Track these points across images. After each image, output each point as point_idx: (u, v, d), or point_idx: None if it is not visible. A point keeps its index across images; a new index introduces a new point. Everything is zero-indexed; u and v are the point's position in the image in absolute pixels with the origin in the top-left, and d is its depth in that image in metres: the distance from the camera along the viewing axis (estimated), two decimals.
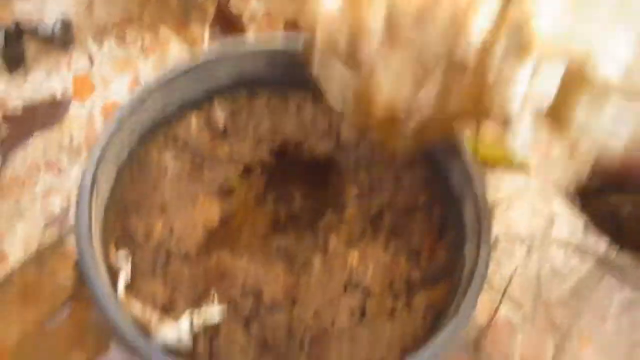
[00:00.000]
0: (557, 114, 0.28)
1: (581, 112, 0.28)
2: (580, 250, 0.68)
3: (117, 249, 0.44)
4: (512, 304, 0.63)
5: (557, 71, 0.27)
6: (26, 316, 0.56)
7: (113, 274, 0.42)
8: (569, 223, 0.70)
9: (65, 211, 0.62)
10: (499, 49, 0.27)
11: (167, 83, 0.47)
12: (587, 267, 0.67)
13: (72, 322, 0.57)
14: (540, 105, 0.28)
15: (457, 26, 0.28)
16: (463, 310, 0.39)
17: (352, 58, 0.34)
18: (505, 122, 0.31)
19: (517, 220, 0.69)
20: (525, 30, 0.26)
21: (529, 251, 0.67)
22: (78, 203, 0.40)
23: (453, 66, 0.30)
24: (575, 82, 0.27)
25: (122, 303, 0.39)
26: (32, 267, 0.59)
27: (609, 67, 0.26)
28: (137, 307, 0.39)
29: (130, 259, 0.41)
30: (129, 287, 0.41)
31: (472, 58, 0.28)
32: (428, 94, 0.33)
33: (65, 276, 0.59)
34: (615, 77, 0.26)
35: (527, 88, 0.27)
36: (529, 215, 0.70)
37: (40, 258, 0.60)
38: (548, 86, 0.27)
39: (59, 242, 0.61)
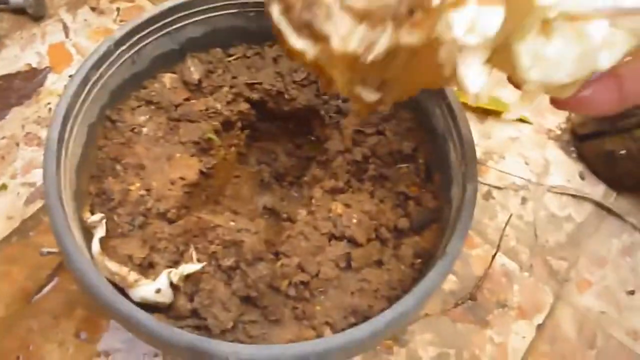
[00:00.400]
0: (502, 51, 0.27)
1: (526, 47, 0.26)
2: (577, 196, 0.67)
3: (92, 210, 0.42)
4: (508, 253, 0.62)
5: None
6: (12, 290, 0.55)
7: (88, 237, 0.40)
8: (564, 170, 0.69)
9: None
10: None
11: (132, 36, 0.45)
12: (584, 213, 0.66)
13: (59, 293, 0.56)
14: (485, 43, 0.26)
15: None
16: (450, 251, 0.37)
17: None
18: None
19: (511, 170, 0.67)
20: None
21: (523, 200, 0.66)
22: (45, 162, 0.38)
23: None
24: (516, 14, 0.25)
25: (96, 263, 0.38)
26: (16, 241, 0.58)
27: None
28: (113, 267, 0.37)
29: (105, 221, 0.40)
30: (105, 249, 0.39)
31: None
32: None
33: (50, 248, 0.58)
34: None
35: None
36: (523, 164, 0.68)
37: (25, 231, 0.59)
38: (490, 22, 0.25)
39: (42, 214, 0.60)
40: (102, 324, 0.54)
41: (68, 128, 0.41)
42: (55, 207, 0.36)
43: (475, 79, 0.27)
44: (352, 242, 0.43)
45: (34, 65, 0.69)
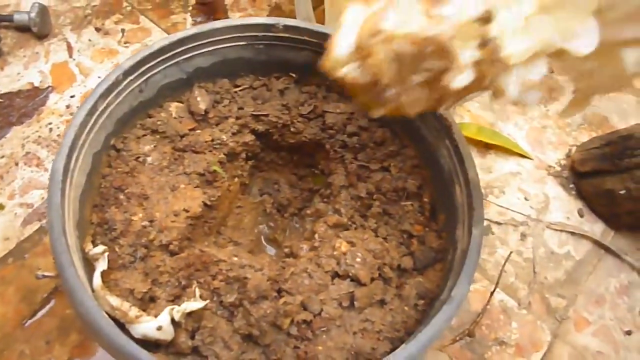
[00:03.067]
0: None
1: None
2: (576, 234, 0.67)
3: (94, 241, 0.42)
4: (506, 289, 0.62)
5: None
6: (5, 312, 0.55)
7: (90, 268, 0.40)
8: (563, 206, 0.69)
9: (45, 204, 0.61)
10: None
11: (142, 65, 0.45)
12: (583, 250, 0.66)
13: (54, 317, 0.55)
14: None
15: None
16: (455, 295, 0.37)
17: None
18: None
19: (511, 205, 0.67)
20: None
21: (523, 236, 0.66)
22: (50, 192, 0.38)
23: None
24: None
25: (97, 297, 0.37)
26: (11, 262, 0.57)
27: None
28: (114, 302, 0.37)
29: (107, 254, 0.39)
30: (106, 282, 0.39)
31: None
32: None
33: (46, 271, 0.57)
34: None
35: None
36: (523, 200, 0.68)
37: (20, 253, 0.58)
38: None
39: (40, 236, 0.59)
40: (96, 349, 0.54)
41: (74, 158, 0.40)
42: (58, 240, 0.36)
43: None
44: (356, 281, 0.43)
45: (36, 84, 0.69)
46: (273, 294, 0.41)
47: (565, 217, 0.68)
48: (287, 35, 0.48)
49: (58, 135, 0.65)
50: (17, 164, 0.63)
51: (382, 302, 0.42)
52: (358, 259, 0.43)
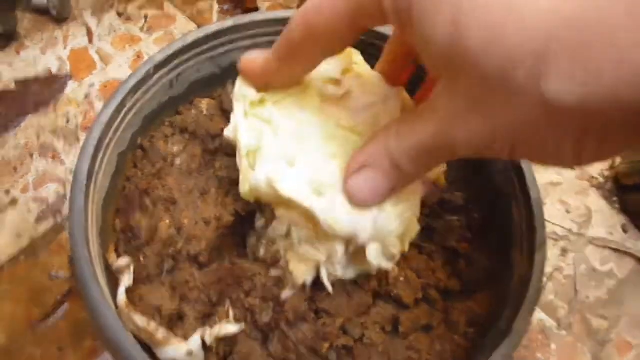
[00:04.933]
0: None
1: None
2: (619, 250, 0.63)
3: (117, 250, 0.38)
4: (546, 308, 0.58)
5: None
6: (17, 314, 0.51)
7: (112, 280, 0.36)
8: (606, 221, 0.65)
9: (60, 199, 0.57)
10: None
11: (174, 58, 0.41)
12: (626, 268, 0.62)
13: (67, 321, 0.52)
14: None
15: None
16: (517, 329, 0.34)
17: None
18: None
19: (552, 217, 0.64)
20: None
21: (563, 251, 0.62)
22: (72, 196, 0.34)
23: None
24: None
25: (122, 315, 0.34)
26: (24, 260, 0.54)
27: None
28: (140, 321, 0.33)
29: (132, 266, 0.36)
30: (131, 296, 0.35)
31: None
32: None
33: (60, 271, 0.54)
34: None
35: None
36: (564, 212, 0.64)
37: (33, 251, 0.55)
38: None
39: (54, 233, 0.56)
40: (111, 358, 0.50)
41: (99, 158, 0.37)
42: (81, 251, 0.32)
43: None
44: (399, 302, 0.39)
45: (54, 71, 0.65)
46: (312, 315, 0.38)
47: (607, 232, 0.64)
48: None
49: (76, 126, 0.61)
50: (31, 156, 0.59)
51: (427, 328, 0.39)
52: (401, 278, 0.40)
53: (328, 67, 0.33)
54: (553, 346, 0.56)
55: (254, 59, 0.31)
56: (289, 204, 0.31)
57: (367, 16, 0.24)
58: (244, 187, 0.33)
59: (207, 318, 0.37)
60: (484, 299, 0.40)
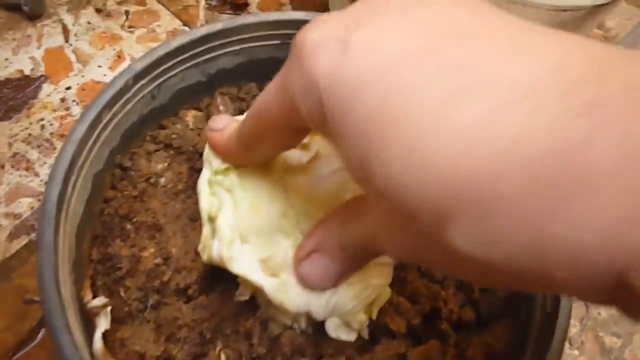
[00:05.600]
0: None
1: None
2: None
3: (94, 283, 0.34)
4: None
5: None
6: None
7: (87, 320, 0.32)
8: None
9: (35, 214, 0.53)
10: None
11: (156, 67, 0.37)
12: None
13: (45, 350, 0.48)
14: None
15: None
16: None
17: None
18: None
19: None
20: None
21: None
22: (40, 230, 0.30)
23: None
24: None
25: None
26: None
27: None
28: None
29: (109, 308, 0.32)
30: (110, 340, 0.31)
31: None
32: None
33: (36, 294, 0.50)
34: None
35: None
36: None
37: (6, 272, 0.50)
38: None
39: (28, 252, 0.51)
40: None
41: (71, 182, 0.33)
42: (51, 295, 0.28)
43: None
44: (408, 337, 0.35)
45: (27, 72, 0.60)
46: (310, 349, 0.34)
47: None
48: None
49: (51, 134, 0.57)
50: (3, 167, 0.54)
51: None
52: (411, 309, 0.36)
53: None
54: None
55: (220, 130, 0.31)
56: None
57: (298, 123, 0.23)
58: (203, 255, 0.32)
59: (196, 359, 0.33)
60: (501, 332, 0.37)
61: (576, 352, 0.54)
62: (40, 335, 0.48)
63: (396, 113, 0.17)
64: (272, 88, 0.24)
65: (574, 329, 0.55)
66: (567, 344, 0.54)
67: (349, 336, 0.33)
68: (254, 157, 0.31)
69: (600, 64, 0.15)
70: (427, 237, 0.18)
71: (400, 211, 0.18)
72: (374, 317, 0.34)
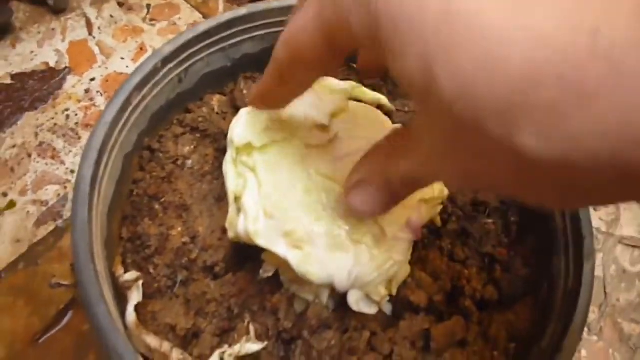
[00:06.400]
0: None
1: None
2: None
3: (125, 261, 0.35)
4: None
5: None
6: (15, 327, 0.48)
7: (120, 295, 0.33)
8: (636, 220, 0.62)
9: (61, 201, 0.54)
10: None
11: (183, 51, 0.38)
12: None
13: (70, 334, 0.49)
14: None
15: None
16: (568, 346, 0.30)
17: None
18: None
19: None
20: None
21: None
22: (75, 207, 0.31)
23: None
24: None
25: (132, 336, 0.31)
26: (23, 268, 0.51)
27: None
28: (152, 342, 0.30)
29: (141, 282, 0.33)
30: (142, 314, 0.32)
31: None
32: None
33: (62, 278, 0.51)
34: None
35: None
36: (592, 211, 0.61)
37: (33, 257, 0.51)
38: None
39: (54, 238, 0.52)
40: None
41: (103, 162, 0.34)
42: (86, 268, 0.29)
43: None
44: (431, 314, 0.36)
45: (52, 65, 0.62)
46: (335, 324, 0.35)
47: (637, 232, 0.61)
48: None
49: (76, 124, 0.58)
50: (29, 156, 0.56)
51: (463, 344, 0.36)
52: (434, 287, 0.36)
53: (316, 113, 0.34)
54: (583, 352, 0.53)
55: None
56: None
57: (342, 41, 0.23)
58: (230, 233, 0.34)
59: (225, 334, 0.34)
60: (524, 311, 0.37)
61: (595, 337, 0.54)
62: (65, 320, 0.49)
63: (466, 18, 0.16)
64: (308, 8, 0.23)
65: (592, 316, 0.55)
66: (585, 330, 0.54)
67: (370, 309, 0.34)
68: (288, 91, 0.30)
69: None
70: (493, 149, 0.17)
71: (467, 122, 0.17)
72: (394, 292, 0.35)
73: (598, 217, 0.61)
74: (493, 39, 0.16)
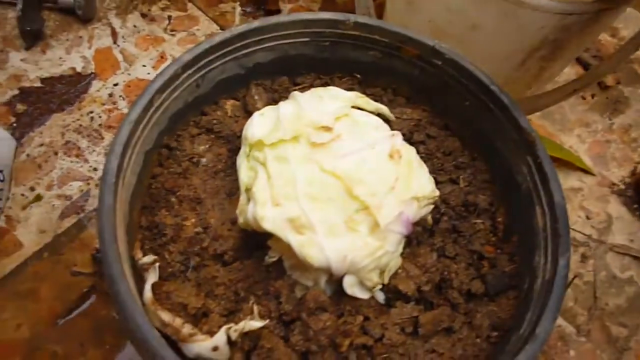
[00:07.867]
0: None
1: None
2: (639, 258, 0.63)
3: (143, 246, 0.39)
4: (565, 314, 0.58)
5: None
6: (39, 310, 0.52)
7: (138, 277, 0.37)
8: (626, 228, 0.64)
9: (84, 196, 0.58)
10: None
11: (201, 59, 0.42)
12: None
13: (89, 318, 0.52)
14: None
15: None
16: (540, 333, 0.34)
17: None
18: None
19: (572, 223, 0.63)
20: None
21: (583, 257, 0.62)
22: (102, 194, 0.35)
23: None
24: None
25: (148, 311, 0.34)
26: (47, 257, 0.55)
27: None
28: (166, 317, 0.34)
29: (157, 264, 0.36)
30: (157, 293, 0.36)
31: None
32: None
33: (83, 267, 0.55)
34: None
35: None
36: (584, 218, 0.64)
37: (57, 247, 0.55)
38: None
39: (77, 230, 0.57)
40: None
41: (127, 156, 0.37)
42: (110, 249, 0.33)
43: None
44: (421, 304, 0.39)
45: (79, 70, 0.66)
46: (331, 308, 0.38)
47: (628, 240, 0.63)
48: (355, 33, 0.45)
49: (100, 125, 0.62)
50: (56, 154, 0.60)
51: (449, 331, 0.39)
52: (423, 279, 0.40)
53: (322, 116, 0.38)
54: (572, 353, 0.56)
55: None
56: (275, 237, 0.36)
57: None
58: (240, 219, 0.38)
59: (231, 314, 0.37)
60: (507, 303, 0.40)
61: (583, 339, 0.57)
62: (85, 305, 0.53)
63: None
64: None
65: (582, 318, 0.58)
66: (574, 331, 0.57)
67: (363, 294, 0.38)
68: None
69: None
70: None
71: None
72: (386, 282, 0.38)
73: (590, 225, 0.64)
74: None
